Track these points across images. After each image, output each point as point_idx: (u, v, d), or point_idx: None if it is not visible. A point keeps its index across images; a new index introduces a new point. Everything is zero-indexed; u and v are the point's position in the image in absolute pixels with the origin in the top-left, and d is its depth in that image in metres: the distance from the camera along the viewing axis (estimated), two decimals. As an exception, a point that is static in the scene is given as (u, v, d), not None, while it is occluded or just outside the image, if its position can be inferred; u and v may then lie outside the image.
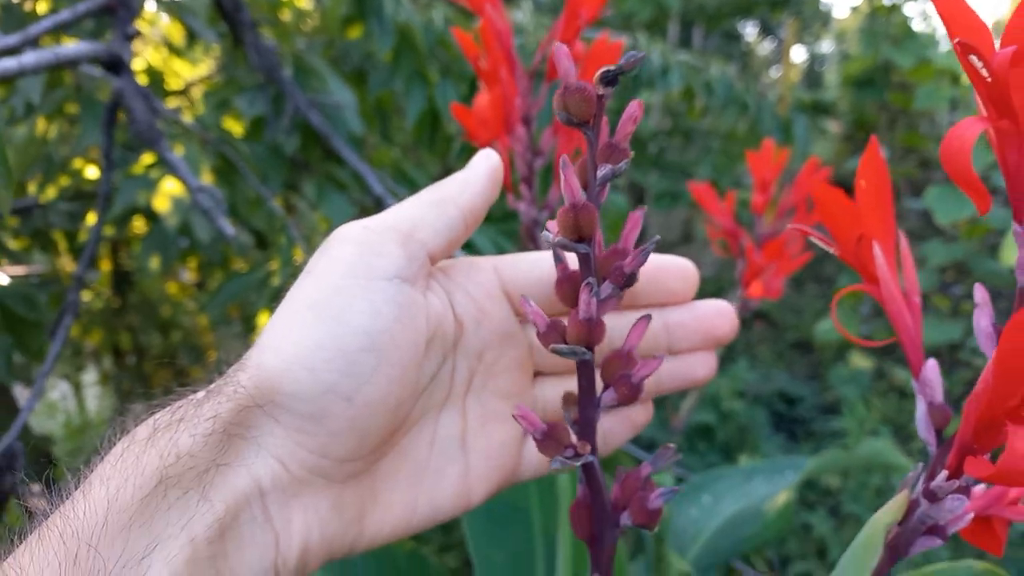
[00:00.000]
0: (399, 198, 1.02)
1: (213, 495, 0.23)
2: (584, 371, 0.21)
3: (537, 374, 0.30)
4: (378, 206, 0.92)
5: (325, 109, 0.98)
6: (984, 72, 0.19)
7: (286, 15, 1.44)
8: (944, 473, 0.23)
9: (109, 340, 2.01)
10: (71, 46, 0.67)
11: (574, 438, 0.22)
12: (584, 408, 0.22)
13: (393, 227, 0.27)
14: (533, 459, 0.29)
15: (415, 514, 0.27)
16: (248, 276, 0.94)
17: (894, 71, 2.77)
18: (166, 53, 1.39)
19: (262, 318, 1.01)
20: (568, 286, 0.21)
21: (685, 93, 1.57)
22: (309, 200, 1.01)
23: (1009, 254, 2.53)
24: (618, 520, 0.23)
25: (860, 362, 2.78)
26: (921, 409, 0.23)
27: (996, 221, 2.64)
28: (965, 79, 2.71)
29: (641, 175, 2.62)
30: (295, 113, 0.90)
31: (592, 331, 0.20)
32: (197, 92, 1.43)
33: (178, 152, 0.91)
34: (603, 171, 0.19)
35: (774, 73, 5.45)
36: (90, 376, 2.21)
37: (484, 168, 0.30)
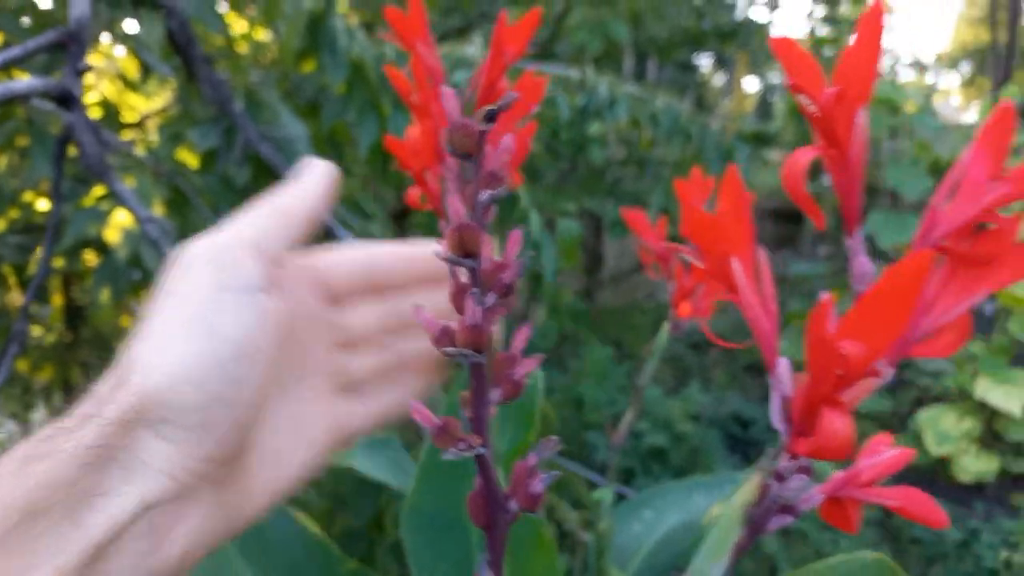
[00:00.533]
0: (352, 228, 1.04)
1: (90, 520, 0.23)
2: (475, 372, 0.24)
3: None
4: (328, 236, 0.94)
5: (277, 141, 1.01)
6: (813, 109, 0.23)
7: (243, 48, 1.46)
8: (786, 456, 0.26)
9: (60, 376, 1.97)
10: (22, 81, 0.69)
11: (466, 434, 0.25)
12: (476, 406, 0.25)
13: (243, 240, 0.30)
14: (355, 420, 0.34)
15: (275, 491, 0.31)
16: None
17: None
18: (121, 86, 1.40)
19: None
20: (459, 296, 0.24)
21: (634, 123, 1.63)
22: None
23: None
24: (507, 506, 0.25)
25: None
26: (776, 402, 0.26)
27: (935, 245, 2.75)
28: (905, 108, 2.84)
29: (598, 204, 2.68)
30: (246, 145, 0.93)
31: (479, 336, 0.23)
32: (153, 125, 1.45)
33: (130, 184, 0.93)
34: (483, 196, 0.22)
35: (728, 104, 5.62)
36: (40, 414, 2.16)
37: (317, 175, 0.34)
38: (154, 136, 1.35)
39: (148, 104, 1.58)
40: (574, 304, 2.12)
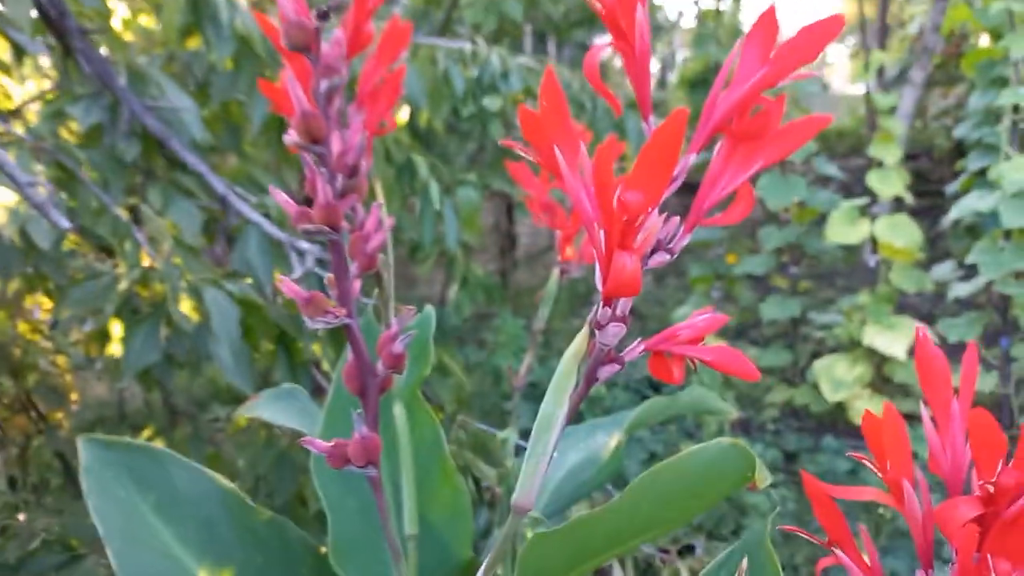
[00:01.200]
0: (247, 201, 1.04)
1: None
2: (334, 248, 0.27)
3: None
4: (223, 205, 0.94)
5: (165, 116, 1.00)
6: (599, 6, 0.28)
7: (127, 33, 1.42)
8: (601, 305, 0.30)
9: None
10: None
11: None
12: (339, 280, 0.28)
13: None
14: None
15: None
16: (94, 281, 0.94)
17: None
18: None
19: (113, 325, 1.01)
20: (312, 181, 0.27)
21: (528, 93, 1.67)
22: (154, 207, 1.02)
23: (833, 232, 2.82)
24: (375, 370, 0.29)
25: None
26: (598, 271, 0.30)
27: (821, 204, 2.94)
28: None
29: (508, 184, 2.73)
30: (132, 119, 0.92)
31: (333, 214, 0.26)
32: (31, 113, 1.39)
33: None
34: (323, 86, 0.25)
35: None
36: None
37: None
38: (33, 118, 1.30)
39: (23, 90, 1.52)
40: (486, 279, 2.16)
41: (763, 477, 0.46)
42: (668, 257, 0.31)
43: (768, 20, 0.30)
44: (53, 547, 1.09)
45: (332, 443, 0.29)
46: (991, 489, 0.29)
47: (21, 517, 1.49)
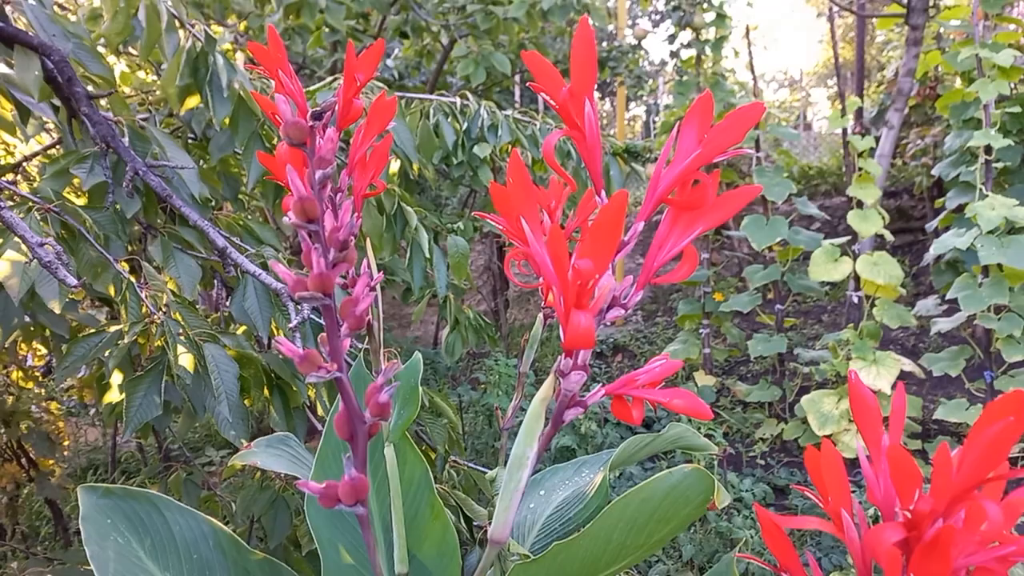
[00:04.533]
0: (244, 251, 1.09)
1: None
2: (326, 312, 0.32)
3: None
4: (222, 258, 0.98)
5: (165, 174, 1.05)
6: (553, 103, 0.32)
7: (127, 86, 1.48)
8: (565, 356, 0.34)
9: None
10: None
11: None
12: (331, 339, 0.32)
13: None
14: None
15: None
16: (98, 336, 0.97)
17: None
18: (-2, 130, 1.39)
19: (116, 377, 1.04)
20: (308, 255, 0.31)
21: (517, 144, 1.74)
22: (155, 262, 1.06)
23: (816, 270, 2.88)
24: (364, 418, 0.33)
25: (704, 379, 3.05)
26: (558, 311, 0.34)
27: (804, 243, 3.00)
28: (763, 122, 3.10)
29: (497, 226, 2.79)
30: (134, 176, 0.96)
31: (326, 282, 0.30)
32: (32, 168, 1.44)
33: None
34: (318, 174, 0.30)
35: (613, 128, 5.90)
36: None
37: None
38: (35, 178, 1.34)
39: (26, 147, 1.57)
40: (476, 320, 2.20)
41: (721, 498, 0.49)
42: (623, 312, 0.36)
43: (703, 106, 0.35)
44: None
45: (324, 484, 0.32)
46: (908, 516, 0.32)
47: (13, 565, 1.49)
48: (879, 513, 0.38)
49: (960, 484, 0.31)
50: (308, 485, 0.32)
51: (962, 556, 0.32)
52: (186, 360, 0.93)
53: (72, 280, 0.67)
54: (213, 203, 1.35)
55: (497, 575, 0.70)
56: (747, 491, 2.21)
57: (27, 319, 1.18)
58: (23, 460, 2.15)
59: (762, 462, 2.76)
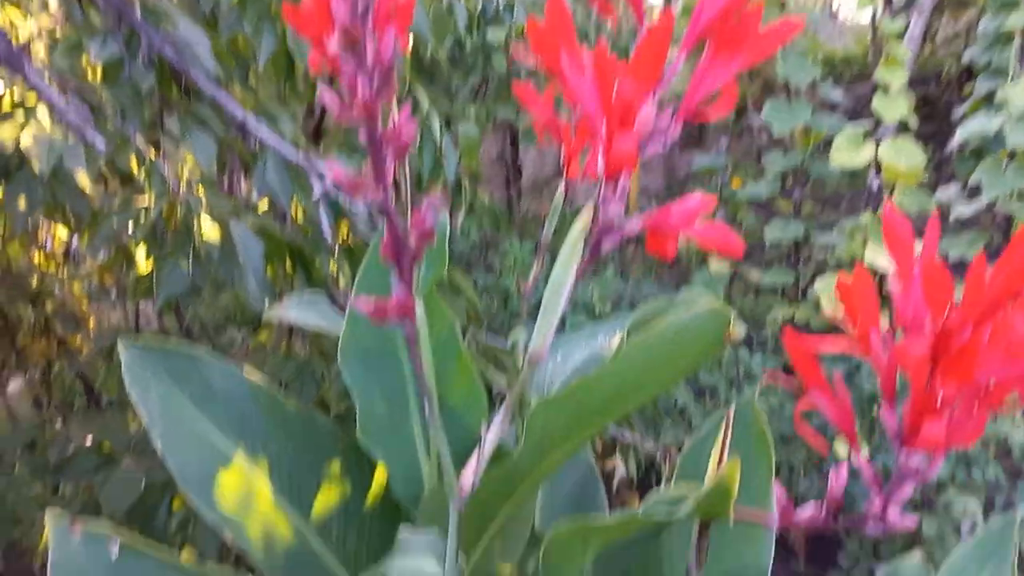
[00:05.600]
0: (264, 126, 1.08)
1: None
2: (371, 140, 0.32)
3: None
4: (242, 132, 0.98)
5: (178, 49, 1.03)
6: None
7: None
8: (605, 184, 0.35)
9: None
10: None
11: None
12: (376, 167, 0.33)
13: None
14: None
15: None
16: (123, 214, 0.99)
17: None
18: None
19: (138, 251, 1.06)
20: (352, 81, 0.31)
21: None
22: (173, 137, 1.06)
23: (838, 156, 2.84)
24: (408, 241, 0.34)
25: (717, 267, 3.07)
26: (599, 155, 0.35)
27: (826, 129, 2.94)
28: (790, 6, 2.97)
29: (513, 113, 2.74)
30: (150, 50, 0.95)
31: (372, 107, 0.31)
32: (38, 47, 1.41)
33: (31, 103, 0.94)
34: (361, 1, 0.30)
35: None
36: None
37: None
38: (44, 57, 1.32)
39: (28, 24, 1.53)
40: (492, 206, 2.20)
41: (736, 330, 0.51)
42: (661, 148, 0.36)
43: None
44: (88, 453, 1.18)
45: (374, 300, 0.34)
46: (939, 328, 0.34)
47: (57, 426, 1.58)
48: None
49: (991, 297, 0.32)
50: (359, 301, 0.34)
51: (986, 370, 0.33)
52: (212, 233, 0.94)
53: (100, 143, 0.67)
54: (224, 83, 1.33)
55: (519, 426, 0.74)
56: (758, 366, 2.28)
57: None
58: (51, 338, 2.22)
59: (772, 344, 2.81)
